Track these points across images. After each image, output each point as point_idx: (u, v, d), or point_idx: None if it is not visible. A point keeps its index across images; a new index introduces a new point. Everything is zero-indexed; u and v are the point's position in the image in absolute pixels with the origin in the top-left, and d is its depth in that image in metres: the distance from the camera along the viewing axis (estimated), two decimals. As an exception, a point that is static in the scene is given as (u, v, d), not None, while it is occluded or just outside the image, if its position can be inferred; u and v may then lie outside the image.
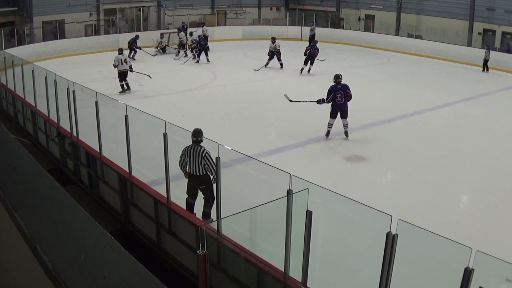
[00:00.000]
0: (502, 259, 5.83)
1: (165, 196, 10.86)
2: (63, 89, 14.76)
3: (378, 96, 24.62)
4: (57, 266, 2.09)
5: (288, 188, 7.53)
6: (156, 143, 10.87)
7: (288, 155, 15.75)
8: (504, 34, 39.20)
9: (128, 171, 12.11)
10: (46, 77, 16.22)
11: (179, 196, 10.99)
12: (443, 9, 40.63)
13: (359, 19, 46.54)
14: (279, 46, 30.26)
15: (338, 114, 17.45)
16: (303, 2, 48.58)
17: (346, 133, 17.61)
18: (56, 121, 15.92)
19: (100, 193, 14.26)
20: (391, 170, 16.05)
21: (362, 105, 22.30)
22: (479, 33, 40.21)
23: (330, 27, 43.62)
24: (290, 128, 18.63)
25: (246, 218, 8.67)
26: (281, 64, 30.56)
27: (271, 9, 47.89)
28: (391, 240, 6.42)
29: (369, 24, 45.27)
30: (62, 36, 35.16)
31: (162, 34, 34.08)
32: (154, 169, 12.70)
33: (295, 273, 7.91)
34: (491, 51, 33.24)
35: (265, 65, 30.30)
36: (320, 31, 41.44)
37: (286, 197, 7.52)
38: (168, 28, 37.87)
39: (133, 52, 31.23)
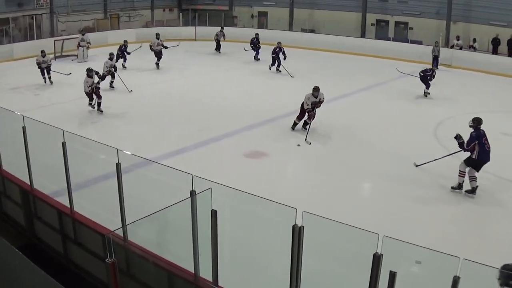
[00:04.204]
0: (409, 242, 5.74)
1: (68, 206, 10.36)
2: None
3: (276, 91, 24.54)
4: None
5: (191, 189, 7.27)
6: (55, 153, 10.37)
7: (190, 156, 15.34)
8: (397, 24, 40.06)
9: (29, 183, 11.56)
10: None
11: (82, 205, 10.50)
12: (336, 2, 41.14)
13: (252, 16, 46.48)
14: None
15: None
16: (195, 2, 47.84)
17: (474, 190, 13.28)
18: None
19: (3, 208, 13.57)
20: (293, 164, 15.89)
21: (260, 102, 22.23)
22: (372, 24, 40.95)
23: (224, 26, 42.73)
24: (190, 129, 18.17)
25: (151, 222, 8.34)
26: None
27: (164, 10, 46.82)
28: (297, 233, 6.28)
29: (262, 21, 45.28)
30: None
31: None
32: (55, 180, 12.12)
33: (206, 273, 7.67)
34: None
35: None
36: (213, 31, 40.93)
37: (189, 198, 7.27)
38: (61, 35, 36.57)
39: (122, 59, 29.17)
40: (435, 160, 14.71)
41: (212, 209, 7.02)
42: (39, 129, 12.03)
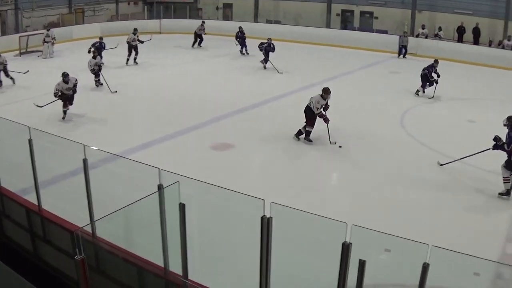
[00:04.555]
0: (377, 231, 5.72)
1: (36, 204, 10.20)
2: None
3: (243, 83, 24.42)
4: None
5: (159, 183, 7.18)
6: (22, 150, 10.20)
7: (157, 150, 15.19)
8: (362, 13, 40.21)
9: (-4, 181, 11.36)
10: None
11: (50, 202, 10.34)
12: (301, -7, 41.31)
13: (217, 8, 46.19)
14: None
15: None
16: (160, -5, 47.35)
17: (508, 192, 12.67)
18: None
19: (-29, 208, 13.36)
20: (260, 155, 15.72)
21: (227, 93, 22.17)
22: (337, 14, 41.02)
23: (189, 18, 42.39)
24: (156, 122, 17.98)
25: (120, 217, 8.23)
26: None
27: (128, 3, 45.93)
28: (266, 224, 6.24)
29: (227, 13, 45.06)
30: None
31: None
32: (23, 177, 11.93)
33: (176, 267, 7.58)
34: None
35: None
36: (178, 23, 40.72)
37: (157, 192, 7.18)
38: (26, 31, 35.86)
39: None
40: (460, 159, 14.08)
41: (180, 203, 6.92)
42: (5, 127, 11.84)
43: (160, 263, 7.73)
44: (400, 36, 33.47)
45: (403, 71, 28.56)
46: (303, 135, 16.14)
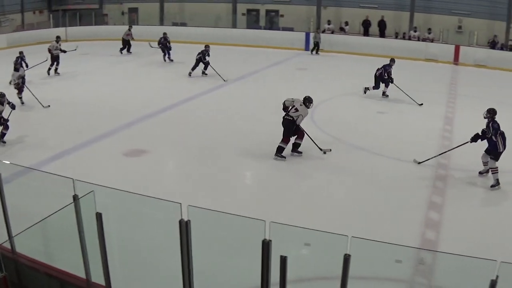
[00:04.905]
0: (296, 226, 5.73)
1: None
2: None
3: (150, 87, 23.96)
4: None
5: (74, 194, 6.99)
6: None
7: (70, 160, 14.62)
8: (268, 12, 40.50)
9: None
10: None
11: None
12: (206, -6, 41.28)
13: (122, 13, 45.43)
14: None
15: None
16: (65, 2, 45.97)
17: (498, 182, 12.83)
18: None
19: None
20: (174, 158, 15.60)
21: (137, 99, 21.78)
22: (243, 14, 41.18)
23: (95, 25, 41.74)
24: (68, 132, 17.25)
25: (38, 231, 7.99)
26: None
27: (34, 13, 44.48)
28: (184, 227, 6.13)
29: (133, 18, 44.49)
30: None
31: None
32: None
33: (98, 278, 7.37)
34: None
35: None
36: (84, 30, 39.81)
37: (73, 203, 6.99)
38: None
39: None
40: (437, 155, 14.23)
41: (97, 212, 6.76)
42: None
43: (82, 275, 7.52)
44: (310, 33, 34.01)
45: (310, 67, 28.98)
46: (282, 151, 14.92)
